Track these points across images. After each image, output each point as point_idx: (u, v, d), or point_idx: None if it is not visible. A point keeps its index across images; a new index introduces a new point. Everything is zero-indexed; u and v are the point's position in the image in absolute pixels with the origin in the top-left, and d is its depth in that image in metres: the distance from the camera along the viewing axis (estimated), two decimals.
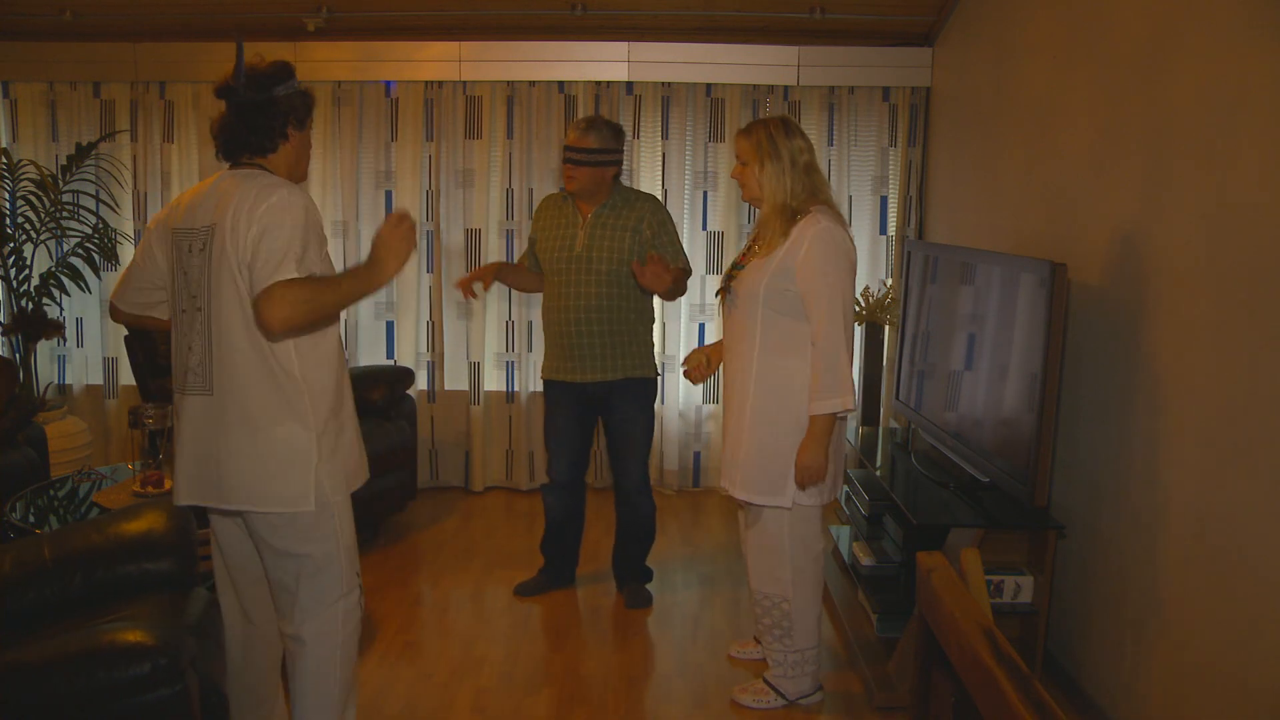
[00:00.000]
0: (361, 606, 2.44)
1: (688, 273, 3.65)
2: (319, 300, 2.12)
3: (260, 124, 2.30)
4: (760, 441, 2.83)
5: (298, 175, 2.42)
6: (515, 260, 3.93)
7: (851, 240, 2.83)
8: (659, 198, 3.74)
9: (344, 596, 2.36)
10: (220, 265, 2.21)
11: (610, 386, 3.61)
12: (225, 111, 2.33)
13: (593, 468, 5.12)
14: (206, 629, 2.43)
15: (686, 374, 3.27)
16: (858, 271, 2.87)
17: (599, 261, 3.53)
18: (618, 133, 3.56)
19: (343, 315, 2.22)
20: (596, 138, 3.49)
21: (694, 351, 3.27)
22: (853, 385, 2.75)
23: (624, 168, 4.96)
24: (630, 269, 3.51)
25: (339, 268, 2.50)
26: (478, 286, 3.62)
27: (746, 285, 2.84)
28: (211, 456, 2.26)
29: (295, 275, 2.11)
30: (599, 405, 3.69)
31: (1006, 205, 3.87)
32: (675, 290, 3.57)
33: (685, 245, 4.94)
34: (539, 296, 3.79)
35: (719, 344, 3.16)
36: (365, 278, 2.20)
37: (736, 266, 2.95)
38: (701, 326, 5.12)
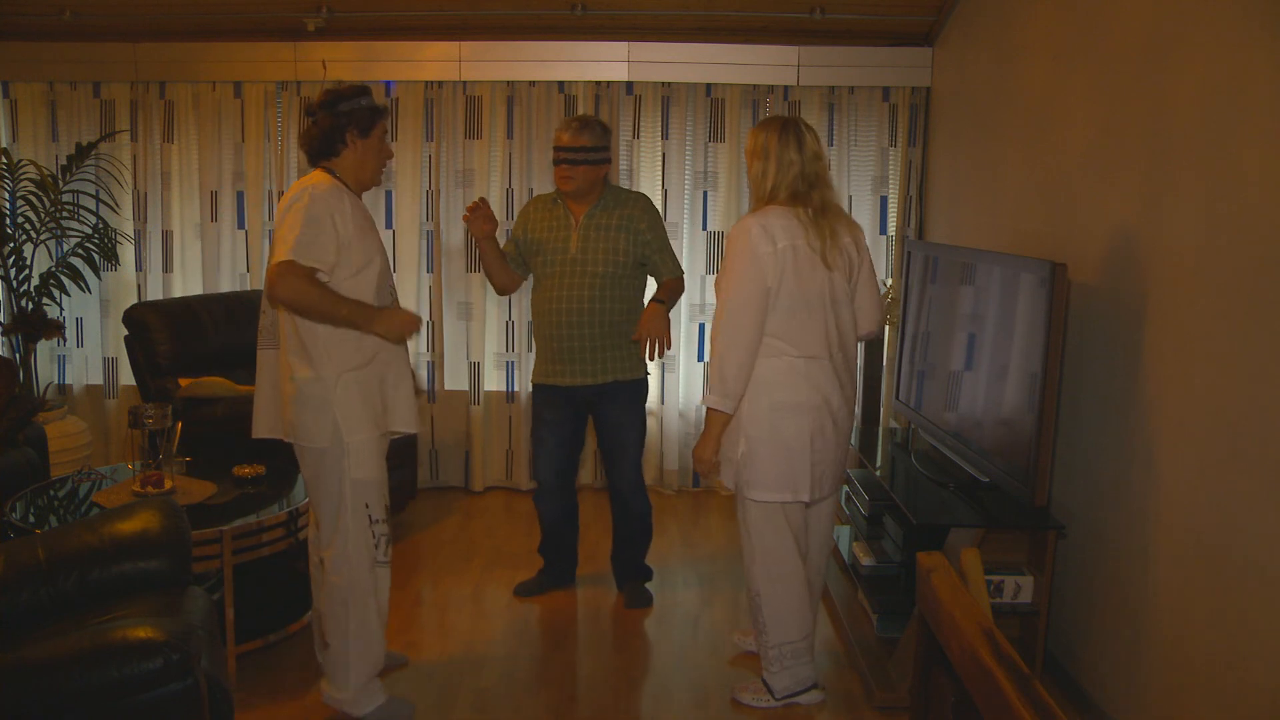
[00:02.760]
0: (382, 539, 2.86)
1: (681, 277, 3.68)
2: (317, 304, 2.66)
3: (326, 133, 2.82)
4: (730, 431, 2.94)
5: (365, 176, 2.90)
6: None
7: (774, 240, 2.79)
8: (650, 197, 3.73)
9: (354, 528, 2.81)
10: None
11: (600, 390, 3.61)
12: (308, 124, 2.88)
13: (591, 468, 5.13)
14: (208, 626, 2.43)
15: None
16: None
17: (594, 263, 3.52)
18: (607, 130, 3.59)
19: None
20: (590, 136, 3.49)
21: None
22: (728, 386, 2.81)
23: (624, 168, 5.00)
24: (624, 268, 3.55)
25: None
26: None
27: None
28: (274, 396, 2.89)
29: (294, 258, 2.61)
30: (589, 408, 3.69)
31: (1006, 205, 3.87)
32: (673, 303, 3.65)
33: (685, 246, 4.97)
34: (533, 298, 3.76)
35: None
36: (359, 318, 2.70)
37: None
38: (701, 326, 5.11)
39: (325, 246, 2.68)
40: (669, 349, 3.55)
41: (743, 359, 2.81)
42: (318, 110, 2.86)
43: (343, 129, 2.83)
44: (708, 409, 2.88)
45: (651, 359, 3.51)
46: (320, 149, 2.85)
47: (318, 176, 2.82)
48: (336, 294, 2.69)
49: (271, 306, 2.85)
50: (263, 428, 2.95)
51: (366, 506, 2.83)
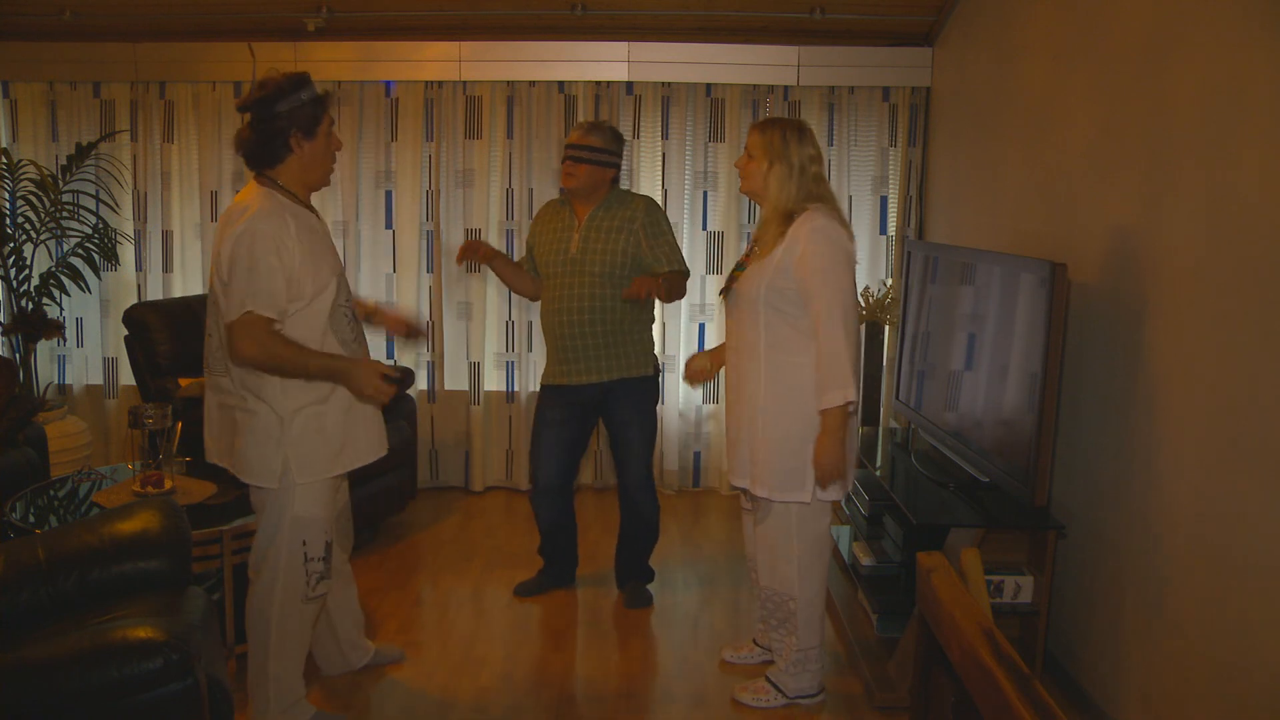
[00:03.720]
0: (314, 577, 2.69)
1: (685, 274, 3.64)
2: (280, 362, 2.48)
3: (266, 139, 2.54)
4: (777, 438, 2.84)
5: (312, 180, 2.66)
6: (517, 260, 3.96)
7: (850, 236, 2.85)
8: (656, 199, 3.75)
9: (286, 559, 2.65)
10: (215, 272, 2.57)
11: (606, 388, 3.61)
12: (244, 126, 2.59)
13: (591, 468, 5.13)
14: (207, 626, 2.43)
15: (688, 378, 3.29)
16: (858, 271, 2.90)
17: (593, 264, 3.53)
18: (619, 137, 3.60)
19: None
20: (599, 138, 3.53)
21: (696, 356, 3.28)
22: (854, 377, 2.74)
23: (624, 168, 4.99)
24: (623, 269, 3.54)
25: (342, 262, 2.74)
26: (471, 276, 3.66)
27: (747, 287, 2.87)
28: (229, 424, 2.66)
29: (254, 310, 2.44)
30: (597, 408, 3.69)
31: (1006, 205, 3.87)
32: (674, 293, 3.61)
33: (685, 246, 4.96)
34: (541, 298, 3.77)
35: (720, 348, 3.18)
36: (331, 373, 2.55)
37: (739, 267, 2.99)
38: (702, 327, 5.11)
39: (277, 291, 2.47)
40: (657, 295, 3.44)
41: (857, 354, 2.79)
42: (252, 110, 2.52)
43: (285, 133, 2.53)
44: (832, 409, 2.74)
45: (639, 296, 3.36)
46: (261, 157, 2.57)
47: (257, 196, 2.54)
48: (304, 350, 2.51)
49: (236, 365, 2.55)
50: (214, 453, 2.73)
51: (304, 544, 2.66)
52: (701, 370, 3.24)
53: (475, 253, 3.60)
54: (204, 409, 2.74)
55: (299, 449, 2.58)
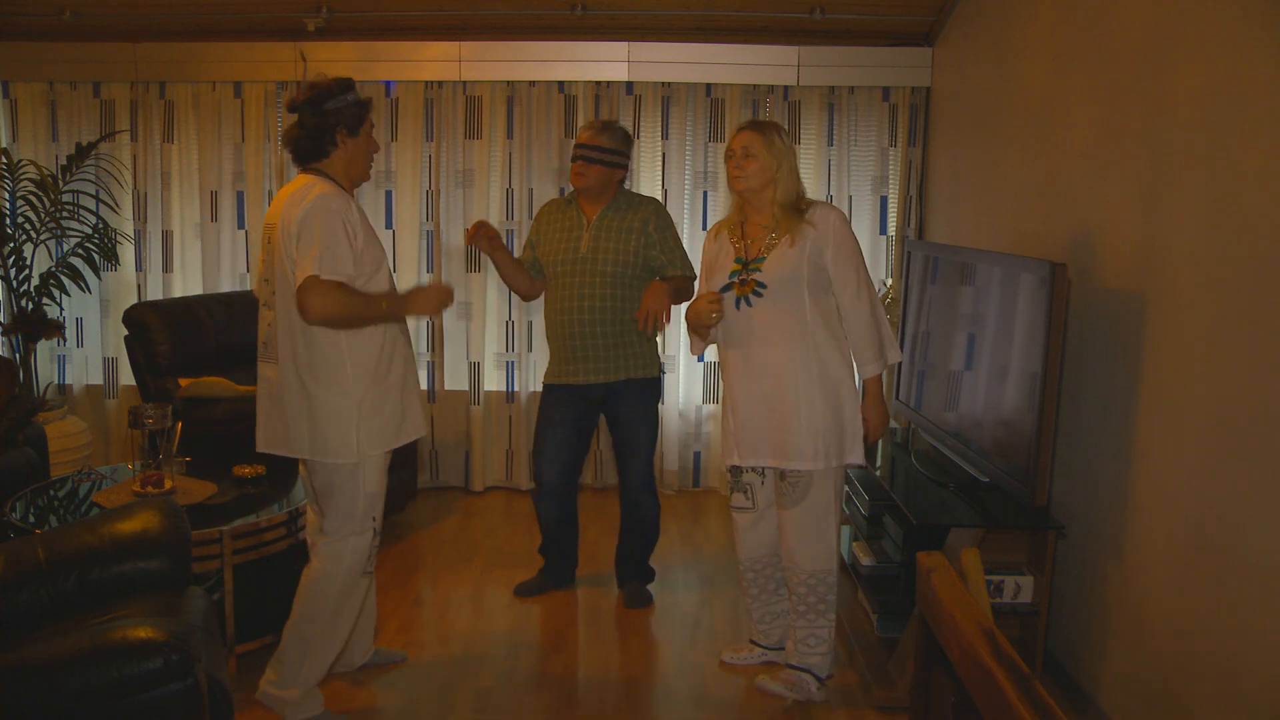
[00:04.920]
0: (373, 550, 2.89)
1: (692, 278, 3.60)
2: (353, 309, 2.66)
3: (313, 134, 2.76)
4: (834, 410, 2.97)
5: (355, 174, 2.86)
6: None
7: None
8: (659, 199, 3.75)
9: (357, 534, 2.82)
10: (278, 257, 2.71)
11: (612, 388, 3.61)
12: (292, 123, 2.81)
13: (591, 468, 5.13)
14: (207, 626, 2.43)
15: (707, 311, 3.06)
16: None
17: (604, 263, 3.53)
18: (628, 138, 3.62)
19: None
20: (610, 139, 3.54)
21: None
22: (894, 341, 3.09)
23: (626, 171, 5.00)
24: (634, 269, 3.55)
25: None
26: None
27: (783, 271, 2.93)
28: (279, 412, 2.79)
29: (318, 273, 2.58)
30: (601, 406, 3.69)
31: (1006, 205, 3.87)
32: (680, 298, 3.54)
33: (685, 245, 4.95)
34: (545, 298, 3.75)
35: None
36: (394, 307, 2.78)
37: (755, 260, 2.96)
38: None
39: (344, 259, 2.64)
40: (667, 323, 3.42)
41: (886, 324, 3.08)
42: (302, 110, 2.77)
43: (331, 129, 2.76)
44: (877, 376, 3.03)
45: (648, 332, 3.45)
46: (309, 151, 2.78)
47: (316, 182, 2.73)
48: (367, 294, 2.70)
49: (307, 325, 2.69)
50: (266, 442, 2.86)
51: (373, 520, 2.85)
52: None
53: (482, 235, 3.49)
54: (257, 397, 2.88)
55: (370, 424, 2.76)
